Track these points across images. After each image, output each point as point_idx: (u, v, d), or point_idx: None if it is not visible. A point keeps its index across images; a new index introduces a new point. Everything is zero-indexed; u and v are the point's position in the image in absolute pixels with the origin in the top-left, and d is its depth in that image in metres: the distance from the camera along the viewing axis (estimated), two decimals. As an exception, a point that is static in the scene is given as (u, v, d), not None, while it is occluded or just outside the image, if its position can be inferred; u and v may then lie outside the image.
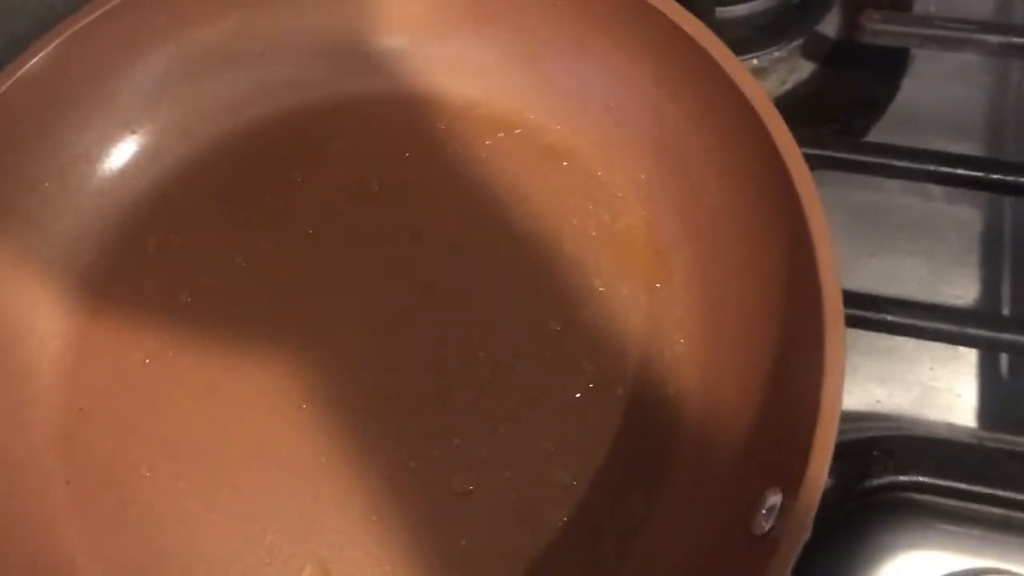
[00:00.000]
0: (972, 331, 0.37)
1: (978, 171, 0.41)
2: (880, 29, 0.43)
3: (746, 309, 0.34)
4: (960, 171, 0.41)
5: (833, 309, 0.29)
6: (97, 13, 0.38)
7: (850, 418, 0.41)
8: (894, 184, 0.45)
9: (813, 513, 0.27)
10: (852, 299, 0.37)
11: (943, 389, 0.42)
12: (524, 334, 0.37)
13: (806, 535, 0.28)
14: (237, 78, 0.42)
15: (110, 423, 0.37)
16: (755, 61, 0.46)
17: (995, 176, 0.41)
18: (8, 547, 0.33)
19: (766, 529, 0.28)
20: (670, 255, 0.37)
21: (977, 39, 0.43)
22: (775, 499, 0.29)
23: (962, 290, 0.44)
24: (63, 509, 0.35)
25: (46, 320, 0.38)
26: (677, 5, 0.35)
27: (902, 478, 0.36)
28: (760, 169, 0.33)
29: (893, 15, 0.44)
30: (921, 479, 0.36)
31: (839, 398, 0.28)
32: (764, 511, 0.29)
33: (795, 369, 0.30)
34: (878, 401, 0.42)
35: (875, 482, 0.36)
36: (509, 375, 0.36)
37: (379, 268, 0.39)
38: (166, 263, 0.40)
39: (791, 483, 0.28)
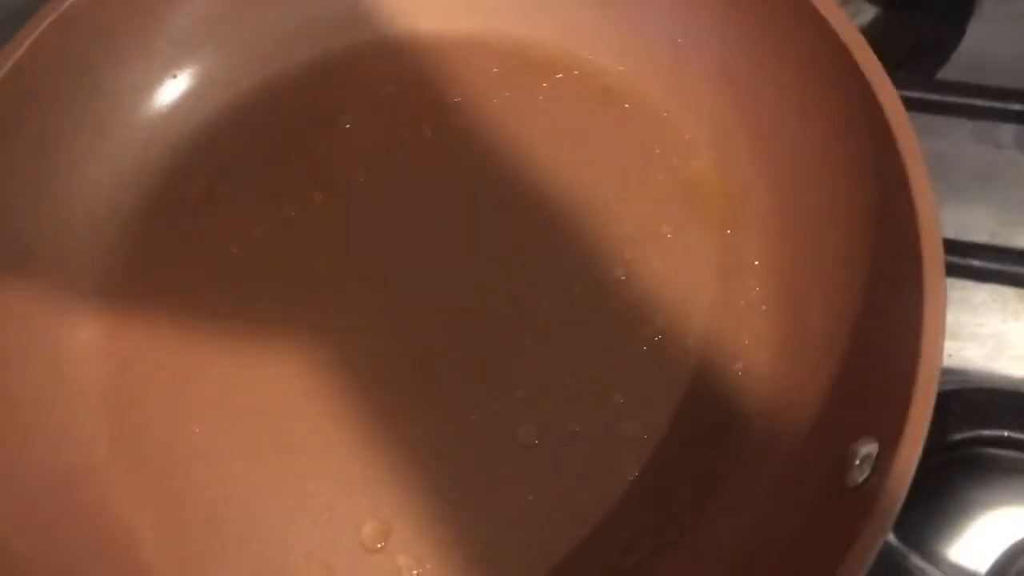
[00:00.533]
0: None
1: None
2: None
3: (828, 255, 0.32)
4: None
5: (933, 253, 0.27)
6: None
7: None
8: (964, 131, 0.44)
9: (915, 465, 0.26)
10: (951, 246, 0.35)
11: (1017, 341, 0.40)
12: (589, 284, 0.35)
13: (908, 484, 0.26)
14: (283, 18, 0.40)
15: (153, 380, 0.36)
16: (819, 2, 0.44)
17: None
18: (59, 507, 0.32)
19: (860, 481, 0.27)
20: (743, 199, 0.35)
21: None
22: (869, 448, 0.27)
23: (1032, 240, 0.42)
24: (110, 467, 0.34)
25: (87, 272, 0.37)
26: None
27: (984, 432, 0.34)
28: (844, 105, 0.31)
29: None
30: (1004, 433, 0.34)
31: (941, 346, 0.27)
32: (858, 462, 0.27)
33: (889, 317, 0.29)
34: (949, 355, 0.40)
35: (956, 436, 0.34)
36: (573, 326, 0.35)
37: (436, 217, 0.38)
38: (211, 214, 0.39)
39: (889, 434, 0.26)
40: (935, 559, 0.31)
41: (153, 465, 0.34)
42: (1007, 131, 0.44)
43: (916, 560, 0.26)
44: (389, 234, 0.37)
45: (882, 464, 0.26)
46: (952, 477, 0.34)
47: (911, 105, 0.41)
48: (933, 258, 0.27)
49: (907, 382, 0.26)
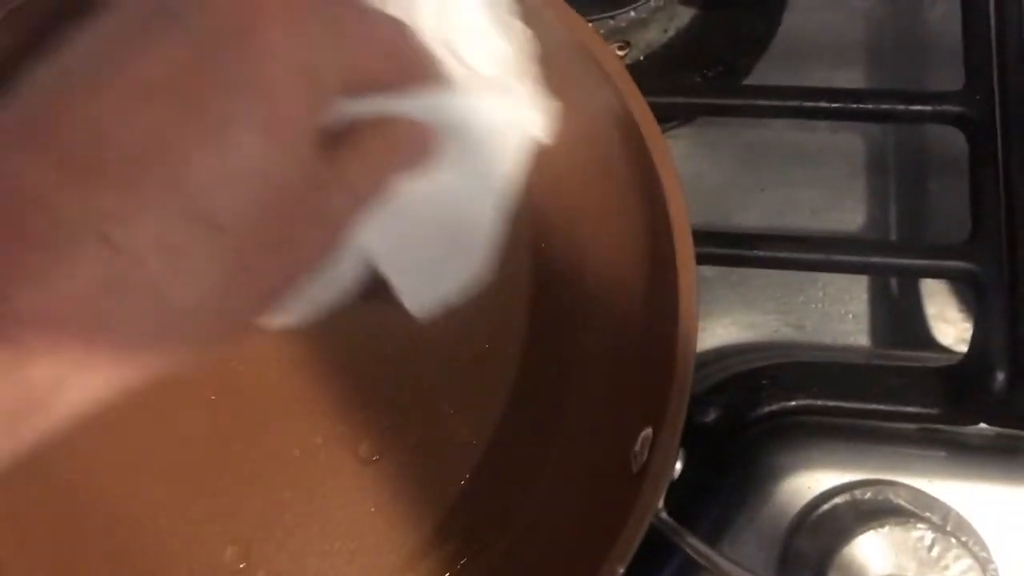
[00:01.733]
0: (852, 259, 0.38)
1: (858, 103, 0.42)
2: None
3: (620, 265, 0.35)
4: (841, 105, 0.42)
5: (684, 255, 0.30)
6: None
7: (748, 349, 0.43)
8: (780, 121, 0.47)
9: (676, 443, 0.29)
10: (727, 239, 0.39)
11: (838, 314, 0.44)
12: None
13: (674, 467, 0.29)
14: None
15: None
16: (632, 12, 0.47)
17: (875, 106, 0.42)
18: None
19: (639, 465, 0.30)
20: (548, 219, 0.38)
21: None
22: (646, 433, 0.30)
23: (851, 215, 0.45)
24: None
25: None
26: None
27: (791, 403, 0.38)
28: (616, 132, 0.34)
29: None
30: (808, 402, 0.37)
31: (693, 338, 0.30)
32: (637, 448, 0.30)
33: (660, 314, 0.32)
34: (776, 331, 0.44)
35: (765, 409, 0.38)
36: (406, 345, 0.38)
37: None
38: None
39: (657, 418, 0.29)
40: (732, 526, 0.34)
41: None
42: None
43: (691, 540, 0.29)
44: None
45: (653, 447, 0.29)
46: (761, 446, 0.37)
47: (725, 111, 0.44)
48: (684, 259, 0.30)
49: (669, 369, 0.29)
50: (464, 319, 0.38)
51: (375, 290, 0.28)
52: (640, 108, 0.32)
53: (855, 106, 0.42)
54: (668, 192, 0.31)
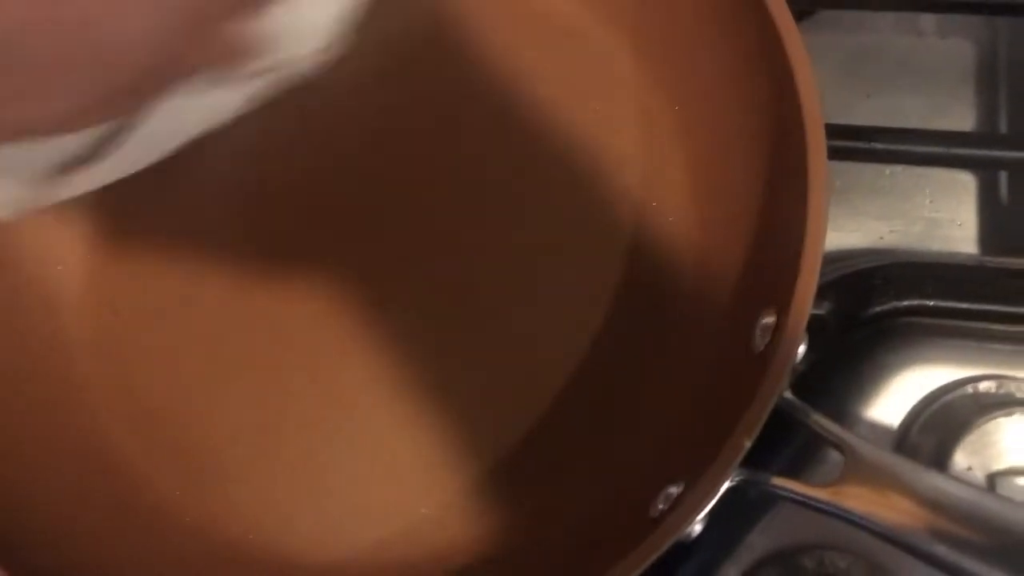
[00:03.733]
0: (962, 151, 0.38)
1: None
2: None
3: (736, 148, 0.35)
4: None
5: (815, 138, 0.30)
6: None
7: (854, 254, 0.42)
8: (887, 23, 0.46)
9: (802, 327, 0.29)
10: (843, 132, 0.38)
11: (945, 220, 0.43)
12: (530, 192, 0.39)
13: (798, 349, 0.29)
14: None
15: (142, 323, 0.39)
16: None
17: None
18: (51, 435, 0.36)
19: (762, 347, 0.30)
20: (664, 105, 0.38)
21: None
22: (770, 319, 0.30)
23: (960, 120, 0.45)
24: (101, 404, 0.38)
25: (76, 219, 0.40)
26: None
27: (903, 303, 0.37)
28: (745, 18, 0.33)
29: None
30: (920, 302, 0.37)
31: (824, 221, 0.29)
32: (759, 331, 0.30)
33: (784, 200, 0.31)
34: (881, 237, 0.43)
35: (877, 309, 0.37)
36: (519, 230, 0.38)
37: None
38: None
39: (783, 305, 0.29)
40: (848, 417, 0.34)
41: (139, 397, 0.38)
42: (928, 20, 0.46)
43: (816, 416, 0.29)
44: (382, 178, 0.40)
45: (778, 332, 0.29)
46: (872, 345, 0.37)
47: (831, 3, 0.43)
48: (815, 142, 0.30)
49: (796, 259, 0.29)
50: (574, 210, 0.38)
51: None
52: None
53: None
54: (800, 83, 0.31)
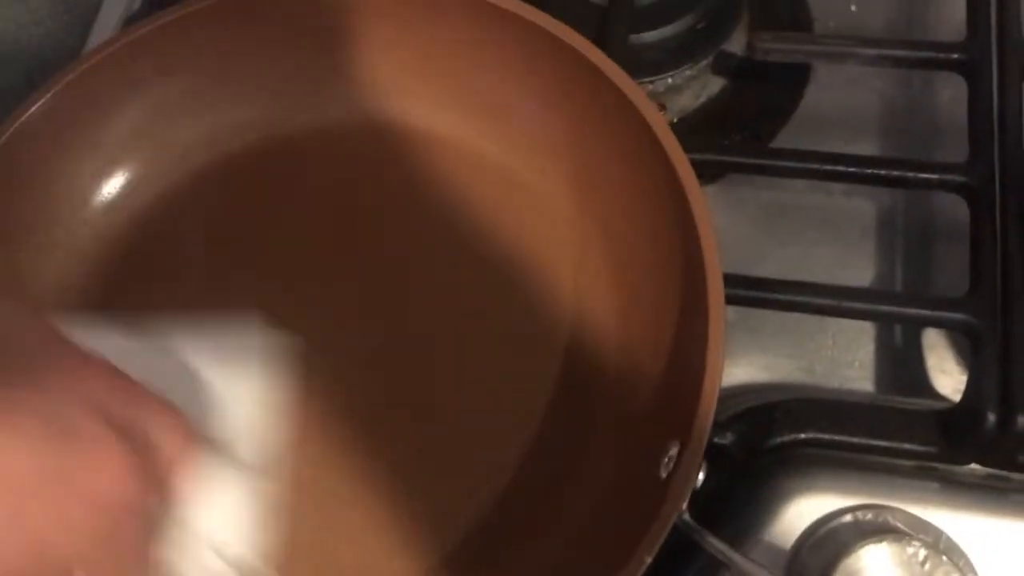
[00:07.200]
0: (854, 305, 0.43)
1: (872, 168, 0.47)
2: (770, 47, 0.49)
3: (655, 298, 0.40)
4: (856, 169, 0.47)
5: (715, 291, 0.35)
6: (84, 67, 0.44)
7: (762, 388, 0.47)
8: (800, 183, 0.51)
9: (699, 459, 0.33)
10: (749, 283, 0.43)
11: (844, 360, 0.48)
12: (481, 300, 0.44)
13: (697, 477, 0.33)
14: (212, 118, 0.47)
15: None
16: (669, 80, 0.52)
17: (887, 172, 0.47)
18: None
19: (665, 475, 0.34)
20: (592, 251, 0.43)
21: (854, 52, 0.49)
22: (674, 449, 0.34)
23: (861, 272, 0.50)
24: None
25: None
26: (583, 39, 0.41)
27: (801, 435, 0.42)
28: (658, 182, 0.38)
29: (781, 35, 0.50)
30: (816, 435, 0.41)
31: (720, 368, 0.34)
32: (666, 460, 0.35)
33: (691, 342, 0.36)
34: (788, 374, 0.48)
35: (778, 440, 0.42)
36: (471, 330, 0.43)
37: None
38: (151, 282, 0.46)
39: (685, 437, 0.33)
40: (748, 538, 0.38)
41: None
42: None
43: (711, 538, 0.33)
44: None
45: (679, 462, 0.33)
46: (772, 473, 0.41)
47: (751, 169, 0.49)
48: (715, 294, 0.35)
49: (697, 397, 0.34)
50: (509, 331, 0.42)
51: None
52: (682, 163, 0.37)
53: (868, 171, 0.46)
54: (703, 239, 0.36)
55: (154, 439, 0.30)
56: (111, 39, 0.45)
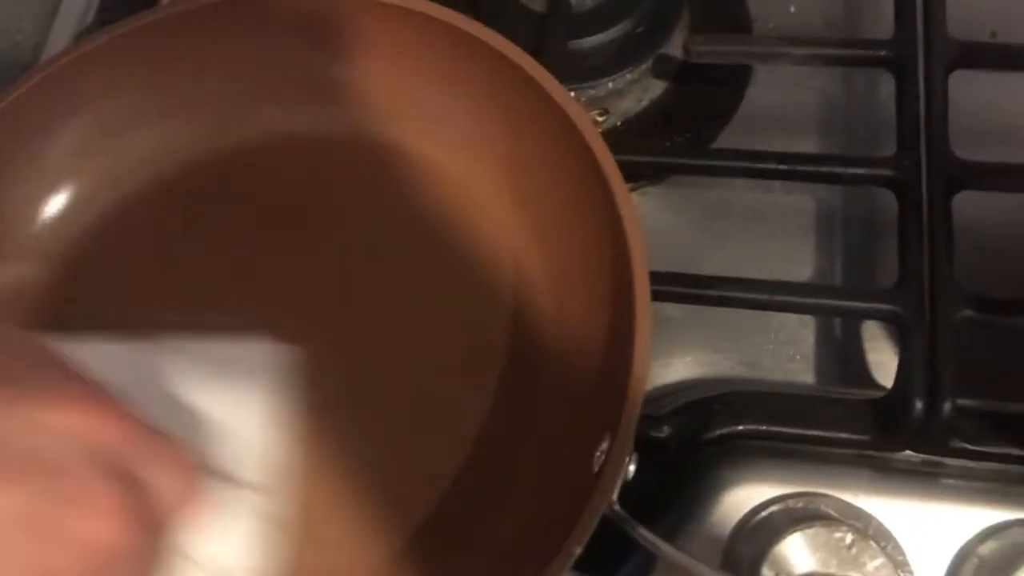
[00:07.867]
0: (789, 299, 0.44)
1: (805, 165, 0.48)
2: (704, 50, 0.50)
3: (588, 299, 0.40)
4: (790, 167, 0.48)
5: (641, 291, 0.36)
6: (31, 83, 0.44)
7: (705, 383, 0.48)
8: (741, 181, 0.52)
9: (627, 452, 0.34)
10: (686, 280, 0.44)
11: (786, 354, 0.49)
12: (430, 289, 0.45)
13: (625, 470, 0.34)
14: (160, 132, 0.48)
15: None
16: (610, 84, 0.53)
17: (819, 168, 0.48)
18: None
19: (597, 468, 0.35)
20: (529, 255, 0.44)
21: (787, 52, 0.50)
22: (605, 443, 0.35)
23: (800, 267, 0.51)
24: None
25: None
26: (514, 46, 0.42)
27: (739, 427, 0.43)
28: (590, 186, 0.39)
29: (715, 38, 0.51)
30: (754, 427, 0.42)
31: (646, 362, 0.35)
32: (598, 453, 0.35)
33: (621, 340, 0.37)
34: (732, 368, 0.49)
35: (716, 432, 0.43)
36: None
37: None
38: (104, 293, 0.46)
39: (613, 432, 0.34)
40: (687, 528, 0.39)
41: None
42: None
43: (640, 529, 0.34)
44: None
45: (608, 455, 0.34)
46: (709, 464, 0.42)
47: (691, 170, 0.50)
48: (641, 295, 0.36)
49: (624, 392, 0.35)
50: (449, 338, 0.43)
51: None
52: (609, 164, 0.38)
53: (801, 168, 0.48)
54: (631, 239, 0.37)
55: (154, 476, 0.29)
56: (57, 55, 0.46)
